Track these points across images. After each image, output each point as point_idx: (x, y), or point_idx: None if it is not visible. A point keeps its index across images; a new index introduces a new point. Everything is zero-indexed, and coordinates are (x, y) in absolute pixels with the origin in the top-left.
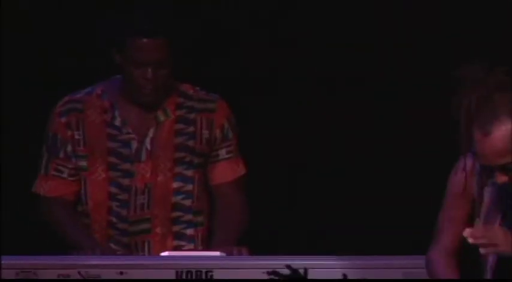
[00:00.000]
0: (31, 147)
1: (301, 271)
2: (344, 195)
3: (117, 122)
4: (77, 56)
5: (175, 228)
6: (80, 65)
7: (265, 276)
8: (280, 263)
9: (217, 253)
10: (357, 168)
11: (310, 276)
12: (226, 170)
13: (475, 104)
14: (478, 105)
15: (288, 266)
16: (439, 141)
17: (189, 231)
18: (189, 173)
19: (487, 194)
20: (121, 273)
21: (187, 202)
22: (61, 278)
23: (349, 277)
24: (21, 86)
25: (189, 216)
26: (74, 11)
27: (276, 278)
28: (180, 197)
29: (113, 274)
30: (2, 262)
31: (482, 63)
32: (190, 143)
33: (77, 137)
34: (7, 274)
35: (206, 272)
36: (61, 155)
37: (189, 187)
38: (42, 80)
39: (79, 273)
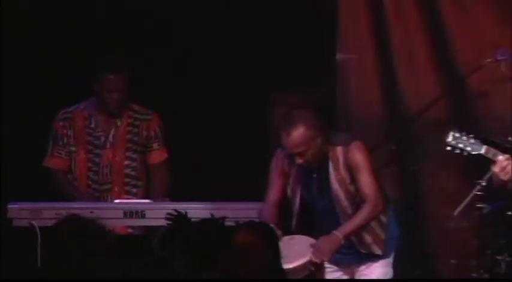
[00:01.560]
0: (31, 146)
1: (183, 212)
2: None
3: (93, 125)
4: (78, 56)
5: (126, 188)
6: (79, 65)
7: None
8: (176, 206)
9: (147, 201)
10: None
11: (189, 215)
12: (157, 156)
13: (282, 116)
14: (284, 117)
15: (175, 210)
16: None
17: (134, 190)
18: (135, 156)
19: (293, 170)
20: (91, 212)
21: (133, 173)
22: (58, 215)
23: (216, 215)
24: (21, 86)
25: (134, 182)
26: (73, 11)
27: (172, 216)
28: (129, 169)
29: (87, 213)
30: (20, 205)
31: (291, 91)
32: (135, 138)
33: (69, 133)
34: (24, 213)
35: (141, 212)
36: (60, 143)
37: (134, 164)
38: (42, 80)
39: (66, 212)
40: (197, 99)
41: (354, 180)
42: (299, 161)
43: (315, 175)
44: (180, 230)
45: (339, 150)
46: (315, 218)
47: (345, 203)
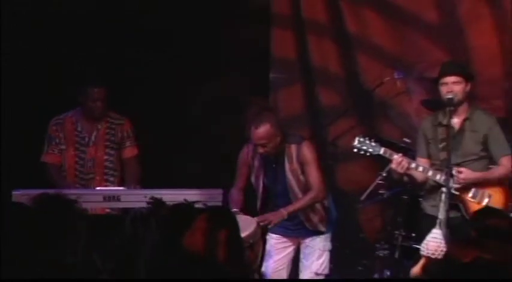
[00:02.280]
0: (30, 146)
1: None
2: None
3: (79, 129)
4: (77, 56)
5: (105, 177)
6: (67, 81)
7: (146, 199)
8: (145, 193)
9: (122, 188)
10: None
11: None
12: (129, 152)
13: (253, 115)
14: (254, 116)
15: (152, 197)
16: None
17: (112, 179)
18: (112, 152)
19: (256, 162)
20: (77, 197)
21: (111, 165)
22: None
23: (189, 200)
24: (21, 85)
25: (111, 172)
26: (73, 11)
27: (151, 201)
28: (108, 163)
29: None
30: (22, 192)
31: (258, 96)
32: (112, 138)
33: (60, 135)
34: (24, 198)
35: (117, 196)
36: (53, 143)
37: (112, 158)
38: (44, 78)
39: None
40: (168, 105)
41: (303, 172)
42: (260, 150)
43: (274, 166)
44: (156, 212)
45: (293, 147)
46: (273, 200)
47: (296, 189)
